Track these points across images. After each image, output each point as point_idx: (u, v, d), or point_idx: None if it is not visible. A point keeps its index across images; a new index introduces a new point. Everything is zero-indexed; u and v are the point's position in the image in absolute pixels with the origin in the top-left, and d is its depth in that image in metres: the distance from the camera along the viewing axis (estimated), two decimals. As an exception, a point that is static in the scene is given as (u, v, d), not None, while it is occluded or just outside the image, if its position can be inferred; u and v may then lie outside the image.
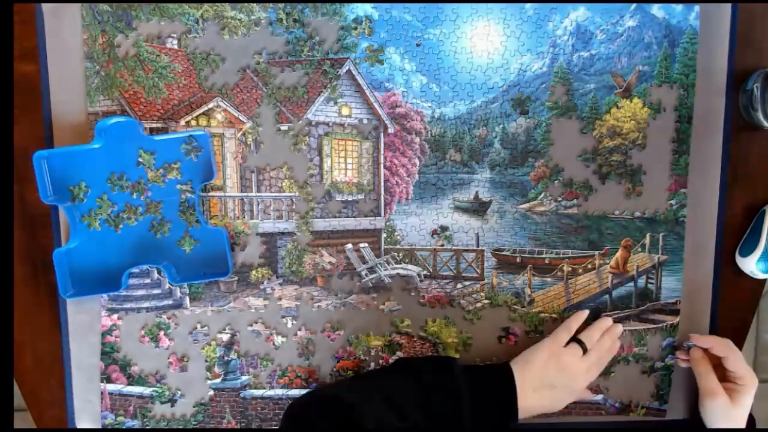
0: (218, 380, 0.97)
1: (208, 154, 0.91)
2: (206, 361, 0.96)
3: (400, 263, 0.98)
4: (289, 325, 0.97)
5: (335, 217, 0.96)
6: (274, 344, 0.97)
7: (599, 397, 0.99)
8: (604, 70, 0.95)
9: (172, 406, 0.97)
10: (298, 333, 0.97)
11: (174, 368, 0.96)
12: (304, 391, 0.97)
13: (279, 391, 0.98)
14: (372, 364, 0.98)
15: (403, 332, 0.98)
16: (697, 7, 0.93)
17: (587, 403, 0.99)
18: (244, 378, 0.97)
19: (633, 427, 1.00)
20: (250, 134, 0.94)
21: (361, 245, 0.97)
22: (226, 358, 0.97)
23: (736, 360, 0.89)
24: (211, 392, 0.97)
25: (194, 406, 0.97)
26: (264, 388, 0.98)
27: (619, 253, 0.98)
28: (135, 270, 0.94)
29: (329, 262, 0.96)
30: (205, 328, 0.96)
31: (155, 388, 0.96)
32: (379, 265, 0.97)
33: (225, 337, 0.96)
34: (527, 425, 0.99)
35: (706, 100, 0.94)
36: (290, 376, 0.98)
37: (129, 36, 0.90)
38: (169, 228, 0.92)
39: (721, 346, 0.90)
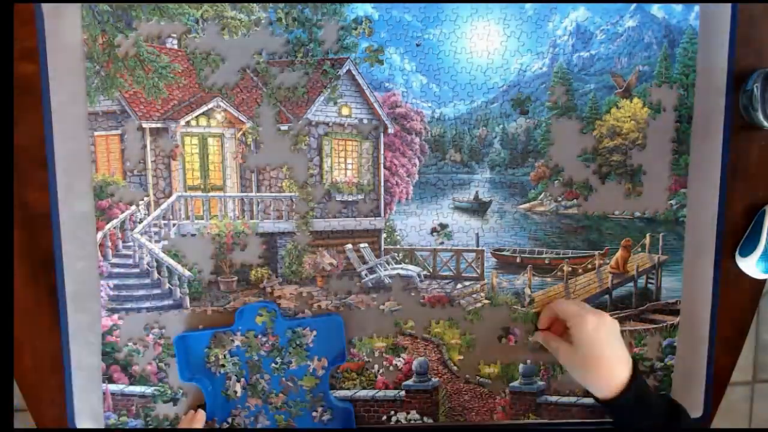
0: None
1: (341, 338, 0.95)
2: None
3: (400, 263, 0.98)
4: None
5: (335, 217, 0.96)
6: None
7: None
8: (604, 70, 0.95)
9: (174, 405, 0.97)
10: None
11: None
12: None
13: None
14: (375, 366, 0.98)
15: (406, 333, 0.98)
16: (697, 7, 0.93)
17: (589, 406, 0.99)
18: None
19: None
20: (250, 134, 0.94)
21: (361, 245, 0.97)
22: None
23: (566, 310, 0.87)
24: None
25: (197, 406, 0.97)
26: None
27: (619, 253, 0.98)
28: (135, 270, 0.95)
29: (329, 263, 0.96)
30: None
31: (157, 388, 0.96)
32: (379, 266, 0.97)
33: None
34: (529, 426, 0.99)
35: (706, 100, 0.94)
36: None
37: (129, 36, 0.90)
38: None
39: (553, 310, 0.90)
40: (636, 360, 0.87)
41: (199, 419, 0.93)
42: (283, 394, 0.95)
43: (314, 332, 0.95)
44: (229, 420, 0.96)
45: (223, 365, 0.94)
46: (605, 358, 0.82)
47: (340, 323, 0.95)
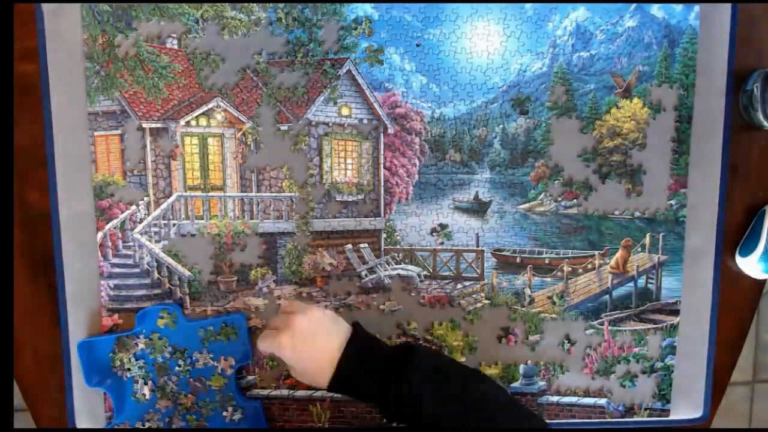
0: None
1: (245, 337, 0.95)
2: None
3: (400, 264, 0.98)
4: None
5: (335, 217, 0.96)
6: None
7: (603, 401, 0.99)
8: (604, 70, 0.95)
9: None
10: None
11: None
12: (310, 392, 0.98)
13: (285, 392, 0.98)
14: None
15: (409, 335, 0.97)
16: (697, 7, 0.93)
17: (591, 407, 0.99)
18: (250, 378, 0.97)
19: (637, 428, 1.00)
20: (250, 134, 0.94)
21: (361, 246, 0.97)
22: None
23: (275, 320, 0.85)
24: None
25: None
26: (269, 389, 0.98)
27: (619, 253, 0.98)
28: (135, 270, 0.95)
29: (329, 264, 0.96)
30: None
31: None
32: (379, 266, 0.97)
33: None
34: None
35: (706, 100, 0.94)
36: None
37: (129, 36, 0.90)
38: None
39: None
40: (356, 330, 0.82)
41: None
42: (192, 395, 0.95)
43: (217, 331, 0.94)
44: (144, 424, 0.95)
45: (128, 369, 0.94)
46: (309, 366, 0.81)
47: (243, 322, 0.94)
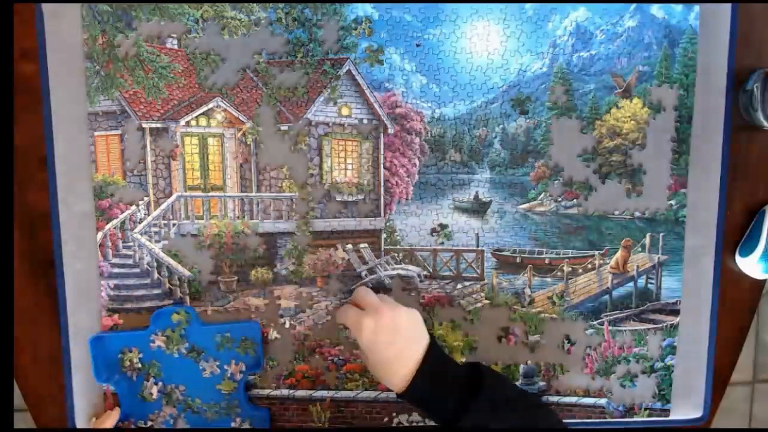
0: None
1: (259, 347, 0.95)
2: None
3: (400, 264, 0.98)
4: (287, 325, 0.97)
5: (335, 217, 0.96)
6: (268, 337, 0.97)
7: (603, 401, 0.99)
8: (604, 70, 0.95)
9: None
10: (297, 328, 0.97)
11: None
12: (310, 392, 0.98)
13: (285, 392, 0.98)
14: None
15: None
16: (697, 7, 0.93)
17: (591, 407, 0.99)
18: (249, 377, 0.97)
19: (637, 428, 1.00)
20: (250, 134, 0.94)
21: (361, 246, 0.97)
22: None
23: (346, 316, 0.85)
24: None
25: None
26: (269, 389, 0.98)
27: (619, 253, 0.98)
28: (135, 270, 0.95)
29: (342, 258, 0.95)
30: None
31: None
32: (379, 266, 0.97)
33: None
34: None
35: (706, 100, 0.94)
36: (297, 377, 0.97)
37: (129, 36, 0.90)
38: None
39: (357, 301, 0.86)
40: (433, 342, 0.82)
41: (113, 417, 0.92)
42: (199, 399, 0.95)
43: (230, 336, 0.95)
44: (147, 423, 0.96)
45: (139, 367, 0.94)
46: (382, 363, 0.80)
47: (257, 329, 0.94)
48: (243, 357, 0.95)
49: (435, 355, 0.81)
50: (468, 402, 0.77)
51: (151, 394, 0.94)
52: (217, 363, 0.95)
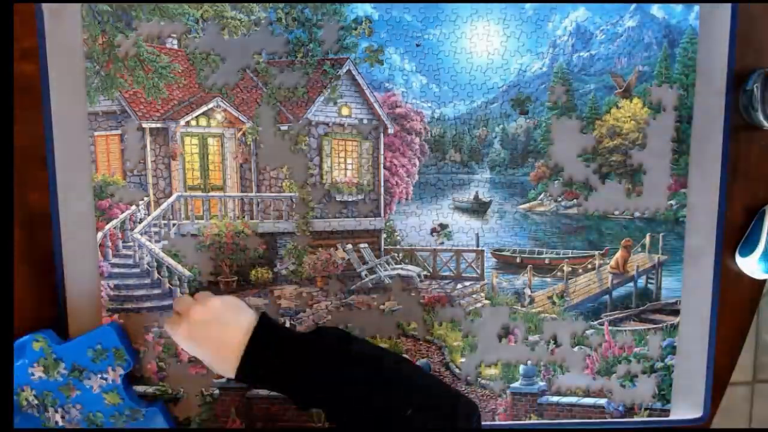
0: (224, 379, 0.97)
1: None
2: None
3: (400, 264, 0.98)
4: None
5: (335, 217, 0.96)
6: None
7: (603, 401, 0.99)
8: (604, 70, 0.95)
9: (176, 405, 0.97)
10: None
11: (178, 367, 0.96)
12: None
13: None
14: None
15: (409, 335, 0.97)
16: (696, 7, 0.93)
17: (591, 407, 0.99)
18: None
19: (637, 428, 1.00)
20: (250, 134, 0.94)
21: (361, 246, 0.97)
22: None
23: (178, 303, 0.85)
24: (217, 391, 0.97)
25: (199, 405, 0.97)
26: None
27: (619, 253, 0.98)
28: (135, 270, 0.95)
29: (342, 258, 0.95)
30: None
31: (158, 387, 0.96)
32: (379, 266, 0.97)
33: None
34: (531, 425, 0.99)
35: (706, 100, 0.94)
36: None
37: (129, 36, 0.90)
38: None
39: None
40: (263, 321, 0.81)
41: None
42: (100, 413, 0.93)
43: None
44: None
45: (36, 403, 0.92)
46: (210, 356, 0.81)
47: (111, 331, 0.92)
48: (119, 362, 0.92)
49: (265, 330, 0.80)
50: (304, 362, 0.78)
51: (57, 422, 0.93)
52: (101, 375, 0.92)
